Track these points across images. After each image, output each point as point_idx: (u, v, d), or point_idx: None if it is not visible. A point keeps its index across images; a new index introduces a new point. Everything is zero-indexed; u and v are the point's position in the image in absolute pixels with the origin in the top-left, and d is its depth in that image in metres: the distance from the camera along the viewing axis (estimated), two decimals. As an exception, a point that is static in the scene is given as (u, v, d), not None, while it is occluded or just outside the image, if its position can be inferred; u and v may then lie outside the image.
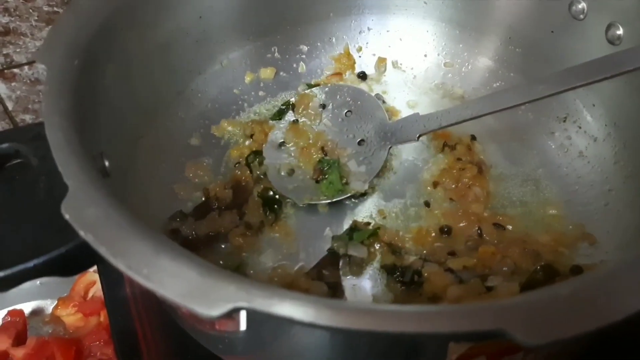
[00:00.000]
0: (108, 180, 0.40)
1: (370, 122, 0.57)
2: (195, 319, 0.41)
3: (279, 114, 0.60)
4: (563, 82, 0.46)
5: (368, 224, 0.52)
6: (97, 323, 0.58)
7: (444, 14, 0.63)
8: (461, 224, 0.51)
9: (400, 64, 0.65)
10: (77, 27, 0.43)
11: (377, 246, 0.50)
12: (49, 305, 0.61)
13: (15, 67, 0.86)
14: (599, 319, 0.27)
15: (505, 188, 0.55)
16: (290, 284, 0.46)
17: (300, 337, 0.35)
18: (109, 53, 0.46)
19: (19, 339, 0.57)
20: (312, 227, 0.52)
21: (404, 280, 0.47)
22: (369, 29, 0.66)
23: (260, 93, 0.63)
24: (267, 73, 0.63)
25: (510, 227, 0.51)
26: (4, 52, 0.89)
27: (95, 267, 0.56)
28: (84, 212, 0.30)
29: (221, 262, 0.48)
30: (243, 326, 0.36)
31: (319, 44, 0.65)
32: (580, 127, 0.56)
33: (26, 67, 0.87)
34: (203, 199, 0.53)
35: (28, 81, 0.85)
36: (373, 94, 0.61)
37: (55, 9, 0.96)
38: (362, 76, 0.64)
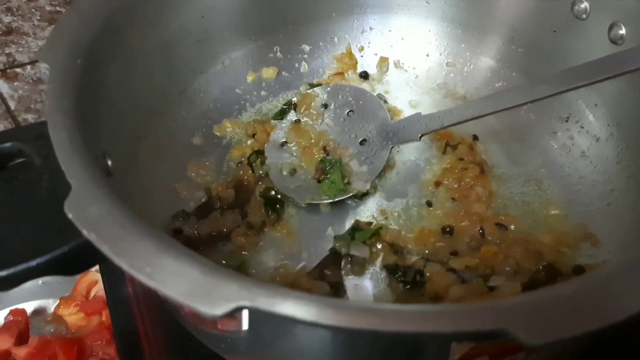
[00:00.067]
0: (110, 179, 0.40)
1: (372, 122, 0.57)
2: (198, 318, 0.41)
3: (281, 114, 0.60)
4: (565, 82, 0.46)
5: (370, 223, 0.52)
6: (99, 322, 0.59)
7: (446, 14, 0.63)
8: (463, 224, 0.51)
9: (403, 64, 0.65)
10: (79, 27, 0.43)
11: (379, 246, 0.50)
12: (51, 304, 0.61)
13: (17, 66, 0.87)
14: (601, 319, 0.27)
15: (508, 188, 0.55)
16: (292, 284, 0.46)
17: (302, 336, 0.35)
18: (112, 52, 0.46)
19: (21, 338, 0.57)
20: (314, 226, 0.52)
21: (406, 280, 0.47)
22: (371, 28, 0.66)
23: (263, 93, 0.63)
24: (269, 73, 0.63)
25: (512, 227, 0.51)
26: (7, 52, 0.89)
27: (97, 267, 0.56)
28: (87, 211, 0.30)
29: (223, 261, 0.49)
30: (245, 325, 0.36)
31: (321, 43, 0.65)
32: (582, 127, 0.56)
33: (29, 67, 0.87)
34: (205, 198, 0.53)
35: (30, 81, 0.85)
36: (375, 94, 0.61)
37: (57, 8, 0.96)
38: (364, 76, 0.64)
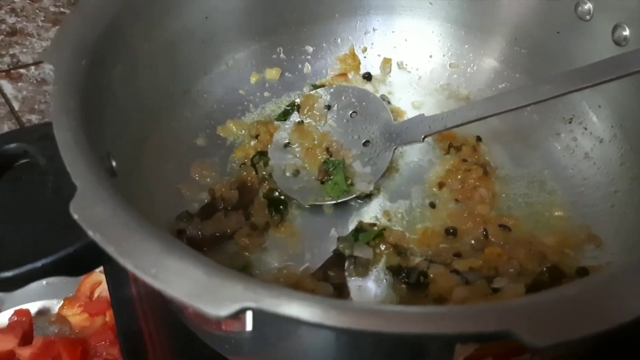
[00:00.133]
0: (115, 180, 0.41)
1: (376, 123, 0.57)
2: (202, 318, 0.41)
3: (284, 115, 0.60)
4: (569, 83, 0.46)
5: (374, 225, 0.52)
6: (102, 323, 0.59)
7: (450, 15, 0.63)
8: (467, 225, 0.51)
9: (406, 65, 0.65)
10: (84, 28, 0.43)
11: (382, 247, 0.50)
12: (55, 305, 0.61)
13: (21, 67, 0.87)
14: (606, 321, 0.27)
15: (511, 189, 0.55)
16: (295, 285, 0.47)
17: (306, 337, 0.35)
18: (116, 53, 0.46)
19: (26, 339, 0.57)
20: (318, 228, 0.52)
21: (410, 282, 0.47)
22: (374, 29, 0.66)
23: (266, 94, 0.63)
24: (272, 74, 0.63)
25: (515, 229, 0.51)
26: (11, 53, 0.89)
27: (101, 267, 0.56)
28: (92, 211, 0.30)
29: (227, 262, 0.49)
30: (249, 326, 0.36)
31: (324, 44, 0.65)
32: (586, 129, 0.56)
33: (32, 68, 0.87)
34: (209, 199, 0.53)
35: (34, 81, 0.85)
36: (378, 95, 0.61)
37: (61, 9, 0.96)
38: (367, 77, 0.65)
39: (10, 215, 0.39)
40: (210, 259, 0.29)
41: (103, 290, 0.61)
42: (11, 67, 0.87)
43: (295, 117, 0.60)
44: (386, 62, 0.65)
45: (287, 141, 0.58)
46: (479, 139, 0.58)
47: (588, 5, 0.53)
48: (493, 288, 0.44)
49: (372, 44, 0.66)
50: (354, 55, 0.65)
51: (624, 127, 0.53)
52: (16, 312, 0.59)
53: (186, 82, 0.58)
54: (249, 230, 0.51)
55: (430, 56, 0.65)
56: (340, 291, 0.47)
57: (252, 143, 0.58)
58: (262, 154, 0.57)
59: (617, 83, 0.45)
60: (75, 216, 0.30)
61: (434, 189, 0.55)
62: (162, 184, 0.52)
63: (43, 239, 0.36)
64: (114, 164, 0.41)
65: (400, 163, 0.57)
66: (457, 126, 0.52)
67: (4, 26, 0.93)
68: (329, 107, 0.60)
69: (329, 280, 0.48)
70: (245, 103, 0.62)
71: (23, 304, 0.60)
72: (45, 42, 0.91)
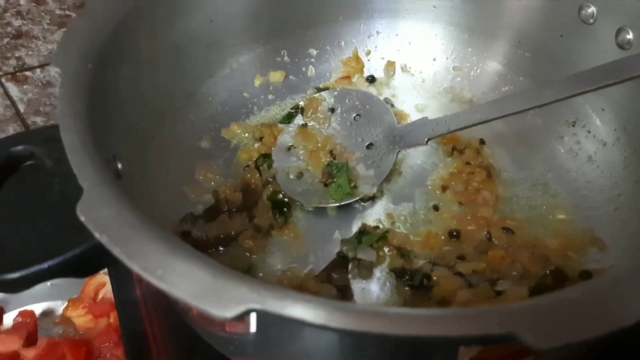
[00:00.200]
0: (120, 182, 0.41)
1: (379, 126, 0.58)
2: (206, 320, 0.41)
3: (288, 118, 0.60)
4: (572, 86, 0.46)
5: (377, 227, 0.52)
6: (107, 324, 0.59)
7: (453, 18, 0.63)
8: (470, 228, 0.51)
9: (409, 68, 0.66)
10: (90, 31, 0.44)
11: (386, 250, 0.50)
12: (59, 306, 0.61)
13: (27, 69, 0.87)
14: (609, 324, 0.27)
15: (514, 192, 0.55)
16: (299, 287, 0.47)
17: (309, 338, 0.35)
18: (122, 57, 0.46)
19: (30, 340, 0.57)
20: (321, 230, 0.52)
21: (413, 284, 0.47)
22: (378, 32, 0.66)
23: (270, 96, 0.63)
24: (276, 77, 0.64)
25: (519, 231, 0.51)
26: (16, 55, 0.90)
27: (105, 269, 0.56)
28: (99, 213, 0.31)
29: (231, 264, 0.49)
30: (253, 328, 0.36)
31: (328, 47, 0.66)
32: (589, 132, 0.56)
33: (38, 70, 0.87)
34: (213, 201, 0.53)
35: (40, 84, 0.86)
36: (382, 98, 0.62)
37: (67, 12, 0.97)
38: (371, 80, 0.65)
39: (16, 217, 0.39)
40: (215, 261, 0.30)
41: (107, 291, 0.61)
42: (17, 69, 0.87)
43: (299, 119, 0.60)
44: (390, 65, 0.65)
45: (291, 144, 0.58)
46: (482, 141, 0.58)
47: (592, 9, 0.53)
48: (496, 291, 0.44)
49: (375, 47, 0.66)
50: (357, 58, 0.65)
51: (628, 131, 0.53)
52: (21, 313, 0.59)
53: (191, 85, 0.58)
54: (252, 232, 0.51)
55: (434, 59, 0.65)
56: (344, 293, 0.47)
57: (256, 145, 0.58)
58: (266, 157, 0.57)
59: (620, 86, 0.45)
60: (82, 218, 0.30)
61: (438, 192, 0.55)
62: (166, 186, 0.52)
63: (49, 240, 0.37)
64: (119, 166, 0.42)
65: (404, 166, 0.57)
66: (461, 129, 0.52)
67: (9, 29, 0.94)
68: (332, 110, 0.60)
69: (333, 283, 0.48)
70: (250, 106, 0.62)
71: (27, 305, 0.61)
72: (51, 45, 0.91)
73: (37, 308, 0.61)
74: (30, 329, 0.58)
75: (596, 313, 0.27)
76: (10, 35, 0.93)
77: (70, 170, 0.33)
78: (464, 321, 0.27)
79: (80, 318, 0.60)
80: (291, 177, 0.55)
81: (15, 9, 0.97)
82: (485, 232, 0.50)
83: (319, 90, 0.63)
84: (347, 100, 0.60)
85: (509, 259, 0.47)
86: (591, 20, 0.53)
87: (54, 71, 0.86)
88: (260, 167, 0.56)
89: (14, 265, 0.36)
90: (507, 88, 0.62)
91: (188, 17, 0.54)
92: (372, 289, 0.48)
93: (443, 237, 0.51)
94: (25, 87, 0.85)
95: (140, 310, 0.51)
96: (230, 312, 0.26)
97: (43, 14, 0.96)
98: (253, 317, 0.32)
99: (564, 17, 0.55)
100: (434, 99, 0.64)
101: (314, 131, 0.59)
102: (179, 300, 0.27)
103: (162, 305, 0.51)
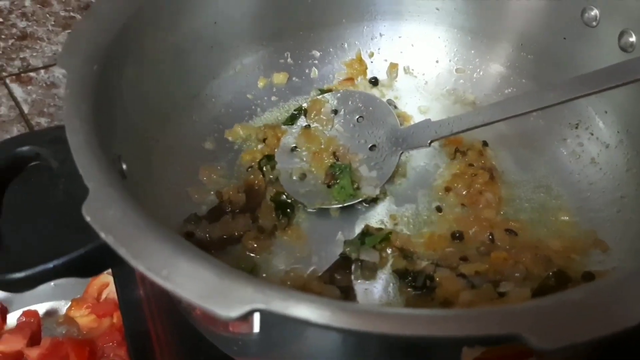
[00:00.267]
0: (125, 182, 0.41)
1: (382, 128, 0.58)
2: (210, 320, 0.42)
3: (292, 119, 0.61)
4: (575, 89, 0.46)
5: (380, 228, 0.52)
6: (110, 324, 0.59)
7: (456, 21, 0.63)
8: (473, 230, 0.51)
9: (412, 70, 0.66)
10: (96, 33, 0.44)
11: (389, 251, 0.50)
12: (62, 306, 0.62)
13: (31, 70, 0.88)
14: (612, 325, 0.27)
15: (517, 194, 0.55)
16: (302, 288, 0.47)
17: (313, 338, 0.35)
18: (127, 58, 0.46)
19: (34, 340, 0.57)
20: (324, 231, 0.53)
21: (416, 285, 0.47)
22: (381, 34, 0.66)
23: (273, 98, 0.63)
24: (279, 78, 0.64)
25: (521, 233, 0.51)
26: (21, 56, 0.90)
27: (109, 269, 0.56)
28: (105, 214, 0.31)
29: (234, 265, 0.49)
30: (257, 328, 0.36)
31: (331, 49, 0.66)
32: (592, 134, 0.56)
33: (42, 71, 0.88)
34: (216, 202, 0.54)
35: (44, 85, 0.86)
36: (385, 100, 0.62)
37: (71, 13, 0.97)
38: (374, 82, 0.65)
39: (21, 217, 0.39)
40: (220, 261, 0.30)
41: (111, 291, 0.61)
42: (21, 70, 0.88)
43: (302, 121, 0.60)
44: (393, 67, 0.65)
45: (294, 145, 0.58)
46: (485, 143, 0.58)
47: (595, 12, 0.53)
48: (499, 292, 0.44)
49: (378, 49, 0.66)
50: (360, 60, 0.65)
51: (630, 133, 0.53)
52: (24, 313, 0.59)
53: (195, 87, 0.58)
54: (256, 233, 0.51)
55: (437, 61, 0.65)
56: (347, 294, 0.47)
57: (260, 147, 0.58)
58: (270, 158, 0.57)
59: (623, 89, 0.45)
60: (88, 218, 0.30)
61: (440, 194, 0.55)
62: (170, 187, 0.52)
63: (54, 240, 0.37)
64: (124, 166, 0.42)
65: (407, 167, 0.57)
66: (464, 131, 0.52)
67: (14, 30, 0.94)
68: (335, 112, 0.60)
69: (336, 284, 0.48)
70: (253, 107, 0.62)
71: (31, 305, 0.61)
72: (55, 46, 0.92)
73: (41, 308, 0.61)
74: (33, 329, 0.58)
75: (599, 314, 0.28)
76: (15, 37, 0.93)
77: (76, 171, 0.33)
78: (467, 322, 0.27)
79: (84, 318, 0.60)
80: (294, 178, 0.56)
81: (20, 11, 0.97)
82: (488, 234, 0.50)
83: (322, 92, 0.63)
84: (350, 102, 0.60)
85: (512, 260, 0.47)
86: (594, 23, 0.53)
87: (58, 72, 0.86)
88: (264, 168, 0.56)
89: (19, 264, 0.36)
90: (509, 90, 0.62)
91: (192, 19, 0.55)
92: (375, 290, 0.48)
93: (446, 239, 0.51)
94: (29, 88, 0.85)
95: (143, 310, 0.51)
96: (235, 312, 0.26)
97: (48, 15, 0.97)
98: (257, 317, 0.32)
99: (567, 19, 0.55)
100: (437, 101, 0.64)
101: (317, 133, 0.59)
102: (185, 300, 0.28)
103: (165, 305, 0.51)
